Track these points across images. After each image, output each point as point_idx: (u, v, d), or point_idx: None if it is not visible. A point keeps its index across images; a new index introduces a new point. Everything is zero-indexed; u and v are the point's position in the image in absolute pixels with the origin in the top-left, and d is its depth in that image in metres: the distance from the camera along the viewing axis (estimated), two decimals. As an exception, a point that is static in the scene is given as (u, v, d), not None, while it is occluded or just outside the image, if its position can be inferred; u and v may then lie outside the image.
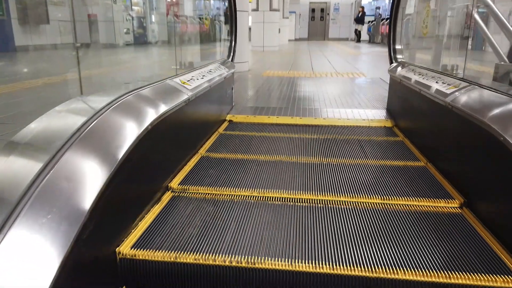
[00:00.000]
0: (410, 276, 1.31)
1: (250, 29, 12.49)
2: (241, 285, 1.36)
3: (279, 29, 15.25)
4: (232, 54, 4.04)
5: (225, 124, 3.22)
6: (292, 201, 1.82)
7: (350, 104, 3.98)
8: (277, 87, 5.16)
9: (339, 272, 1.33)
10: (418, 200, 1.81)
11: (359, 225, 1.62)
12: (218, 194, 1.88)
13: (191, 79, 2.50)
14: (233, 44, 4.08)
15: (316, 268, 1.35)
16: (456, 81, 2.25)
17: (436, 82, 2.41)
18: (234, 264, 1.36)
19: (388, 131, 3.06)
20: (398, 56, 3.86)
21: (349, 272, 1.33)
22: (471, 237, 1.54)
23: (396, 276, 1.31)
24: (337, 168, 2.21)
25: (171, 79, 2.25)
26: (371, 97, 4.38)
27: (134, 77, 5.49)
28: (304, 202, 1.82)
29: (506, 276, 1.30)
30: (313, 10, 26.93)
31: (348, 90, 4.89)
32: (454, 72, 2.63)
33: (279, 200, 1.82)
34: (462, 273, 1.31)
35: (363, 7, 21.66)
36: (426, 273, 1.31)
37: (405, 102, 3.11)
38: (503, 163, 1.53)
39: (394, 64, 3.71)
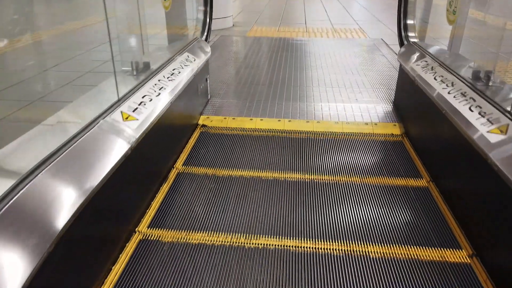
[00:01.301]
0: (377, 248, 1.63)
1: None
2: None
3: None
4: (207, 32, 3.27)
5: (195, 136, 2.60)
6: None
7: (350, 92, 3.33)
8: (264, 58, 4.42)
9: (319, 246, 1.64)
10: None
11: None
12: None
13: (141, 103, 1.85)
14: (208, 19, 3.29)
15: (300, 243, 1.66)
16: (500, 116, 1.64)
17: (470, 109, 1.80)
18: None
19: (397, 148, 2.48)
20: (410, 34, 3.14)
21: (328, 246, 1.64)
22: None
23: (366, 249, 1.63)
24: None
25: (105, 118, 1.60)
26: (374, 77, 3.71)
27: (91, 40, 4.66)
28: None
29: (454, 249, 1.62)
30: None
31: (347, 66, 4.19)
32: (492, 83, 1.99)
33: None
34: (420, 247, 1.63)
35: None
36: (390, 246, 1.64)
37: (420, 113, 2.48)
38: None
39: (405, 47, 3.01)
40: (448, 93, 2.05)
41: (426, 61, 2.55)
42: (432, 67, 2.44)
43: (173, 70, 2.37)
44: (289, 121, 2.80)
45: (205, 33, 3.28)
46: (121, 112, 1.71)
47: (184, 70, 2.46)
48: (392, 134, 2.64)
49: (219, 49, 4.83)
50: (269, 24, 6.64)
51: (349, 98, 3.20)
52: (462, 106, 1.86)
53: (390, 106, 3.04)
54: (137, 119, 1.73)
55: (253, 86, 3.48)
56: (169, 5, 2.44)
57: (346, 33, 5.90)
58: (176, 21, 2.94)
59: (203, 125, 2.76)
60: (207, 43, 3.26)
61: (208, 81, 3.13)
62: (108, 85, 1.88)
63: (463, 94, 1.95)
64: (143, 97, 1.91)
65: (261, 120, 2.81)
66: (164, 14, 2.70)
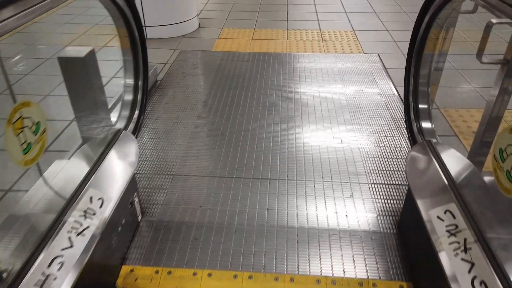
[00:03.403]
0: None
1: None
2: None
3: None
4: (137, 121, 2.26)
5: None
6: None
7: (337, 198, 2.43)
8: (229, 105, 3.43)
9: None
10: None
11: None
12: None
13: None
14: (139, 99, 2.26)
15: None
16: None
17: None
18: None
19: None
20: (425, 124, 2.20)
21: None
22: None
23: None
24: None
25: None
26: (366, 154, 2.80)
27: None
28: None
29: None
30: None
31: (335, 128, 3.25)
32: None
33: None
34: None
35: None
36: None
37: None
38: None
39: (417, 153, 2.08)
40: None
41: (454, 218, 1.65)
42: (465, 241, 1.55)
43: (50, 265, 1.45)
44: (250, 277, 1.94)
45: (135, 122, 2.27)
46: None
47: (76, 247, 1.54)
48: (398, 307, 1.81)
49: (173, 84, 3.80)
50: (243, 23, 5.50)
51: (336, 216, 2.30)
52: None
53: (392, 230, 2.18)
54: None
55: (206, 180, 2.56)
56: (38, 156, 1.46)
57: (335, 42, 4.83)
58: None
59: (123, 291, 1.88)
60: (138, 134, 2.27)
61: (137, 200, 2.20)
62: None
63: None
64: None
65: (209, 276, 1.94)
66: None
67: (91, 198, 1.77)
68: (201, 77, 3.96)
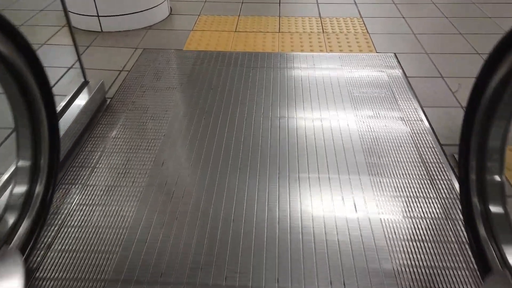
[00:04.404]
0: None
1: None
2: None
3: None
4: (29, 234, 1.35)
5: None
6: None
7: None
8: (199, 140, 2.51)
9: None
10: None
11: None
12: None
13: None
14: (32, 215, 1.36)
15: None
16: None
17: None
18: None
19: None
20: (507, 248, 1.31)
21: None
22: None
23: None
24: None
25: None
26: (399, 225, 1.93)
27: None
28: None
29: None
30: None
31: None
32: None
33: None
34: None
35: None
36: None
37: None
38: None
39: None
40: None
41: None
42: None
43: None
44: None
45: (27, 232, 1.36)
46: None
47: None
48: None
49: (127, 104, 2.84)
50: (225, 8, 4.45)
51: None
52: None
53: None
54: None
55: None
56: None
57: (339, 36, 3.84)
58: None
59: None
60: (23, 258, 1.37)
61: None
62: None
63: None
64: None
65: None
66: None
67: None
68: (165, 93, 3.00)
